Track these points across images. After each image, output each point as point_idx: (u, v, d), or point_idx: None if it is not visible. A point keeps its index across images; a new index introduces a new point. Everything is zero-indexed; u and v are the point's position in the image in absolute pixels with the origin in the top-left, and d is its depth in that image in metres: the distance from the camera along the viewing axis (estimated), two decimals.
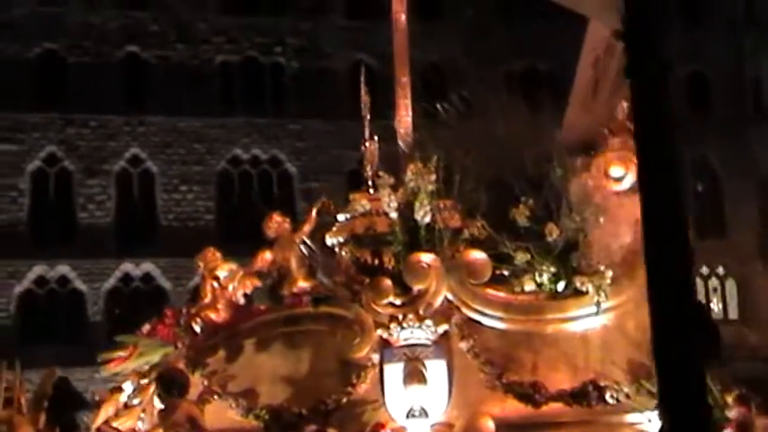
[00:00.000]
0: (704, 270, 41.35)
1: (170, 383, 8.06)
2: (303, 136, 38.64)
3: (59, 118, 37.46)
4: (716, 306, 36.37)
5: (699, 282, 41.06)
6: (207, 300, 8.87)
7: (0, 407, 8.49)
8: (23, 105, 36.54)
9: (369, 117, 9.45)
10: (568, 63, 32.55)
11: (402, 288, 8.04)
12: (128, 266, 37.03)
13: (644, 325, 8.26)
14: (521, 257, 8.17)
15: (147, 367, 8.85)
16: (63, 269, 36.20)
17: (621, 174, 8.81)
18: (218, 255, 9.07)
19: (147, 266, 37.13)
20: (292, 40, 39.77)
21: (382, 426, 7.80)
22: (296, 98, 39.02)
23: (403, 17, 9.61)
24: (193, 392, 8.19)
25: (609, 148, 8.99)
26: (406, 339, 7.99)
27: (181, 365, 8.45)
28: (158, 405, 8.22)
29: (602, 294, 8.07)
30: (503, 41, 40.00)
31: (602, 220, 8.43)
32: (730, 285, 41.22)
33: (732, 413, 7.88)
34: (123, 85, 38.31)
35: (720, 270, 41.50)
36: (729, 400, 8.07)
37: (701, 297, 38.93)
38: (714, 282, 41.36)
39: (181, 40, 39.15)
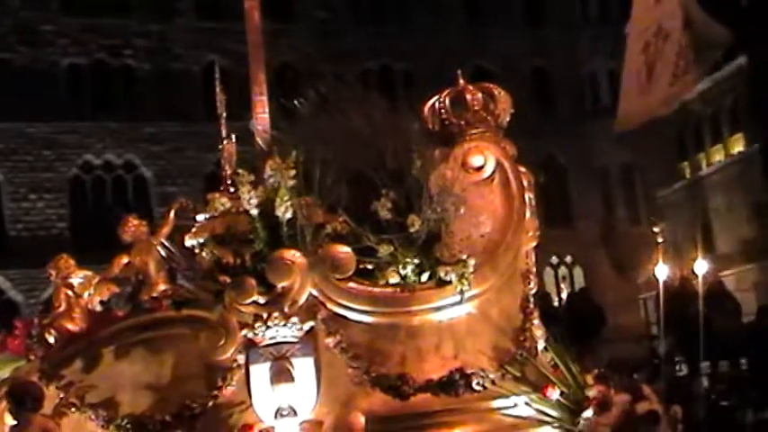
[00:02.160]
0: (554, 259, 42.47)
1: (22, 398, 7.75)
2: (158, 139, 38.23)
3: None
4: (565, 293, 37.08)
5: (549, 270, 42.24)
6: (61, 308, 8.58)
7: None
8: None
9: (225, 116, 9.26)
10: (422, 62, 33.28)
11: (266, 286, 7.86)
12: None
13: (507, 311, 8.44)
14: (384, 250, 8.09)
15: None
16: None
17: (481, 163, 8.88)
18: (72, 262, 8.78)
19: None
20: (141, 42, 39.28)
21: (250, 427, 7.62)
22: (149, 101, 38.58)
23: (257, 13, 9.46)
24: (48, 406, 7.89)
25: (467, 138, 9.02)
26: (271, 338, 7.81)
27: (34, 378, 8.16)
28: (10, 422, 7.89)
29: (466, 283, 8.06)
30: (356, 41, 40.26)
31: (462, 210, 8.43)
32: (578, 273, 42.40)
33: (592, 392, 7.97)
34: None
35: (568, 259, 42.67)
36: (589, 379, 8.17)
37: (551, 285, 40.03)
38: (563, 270, 42.48)
39: (23, 42, 38.22)
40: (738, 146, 38.71)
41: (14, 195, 37.38)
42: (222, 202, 8.40)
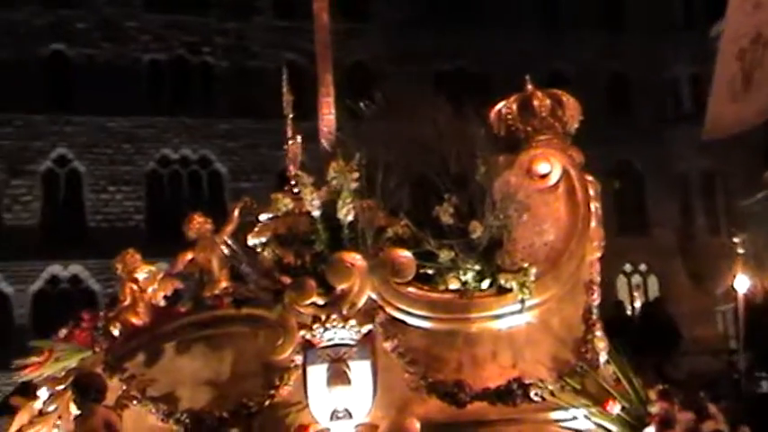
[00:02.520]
0: (628, 267, 41.85)
1: (86, 388, 7.86)
2: (233, 135, 38.43)
3: None
4: (639, 302, 36.58)
5: (623, 279, 41.67)
6: (126, 302, 8.70)
7: None
8: None
9: (292, 116, 9.31)
10: (496, 65, 32.92)
11: (325, 288, 7.89)
12: (55, 268, 36.58)
13: (568, 322, 8.32)
14: (445, 255, 8.05)
15: (63, 373, 8.66)
16: None
17: (547, 170, 8.78)
18: (138, 256, 8.90)
19: (75, 268, 36.70)
20: (220, 39, 39.55)
21: (306, 428, 7.66)
22: (225, 97, 38.81)
23: (325, 15, 9.50)
24: (111, 397, 8.01)
25: (533, 145, 8.95)
26: (329, 340, 7.84)
27: (98, 370, 8.27)
28: (75, 411, 8.01)
29: (527, 292, 7.98)
30: (431, 42, 40.10)
31: (525, 217, 8.36)
32: (652, 282, 41.72)
33: (654, 408, 7.84)
34: (49, 84, 37.80)
35: (643, 267, 42.01)
36: (652, 395, 8.04)
37: (624, 293, 39.52)
38: (637, 278, 41.85)
39: (107, 38, 38.71)
40: None
41: (94, 187, 37.81)
42: (285, 202, 8.43)
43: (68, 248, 36.21)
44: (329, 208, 8.07)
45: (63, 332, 8.84)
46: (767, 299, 19.69)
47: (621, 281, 41.82)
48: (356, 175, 8.07)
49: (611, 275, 42.66)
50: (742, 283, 19.08)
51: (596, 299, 8.69)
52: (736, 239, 21.35)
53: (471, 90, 33.89)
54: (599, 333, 8.55)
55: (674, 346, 22.62)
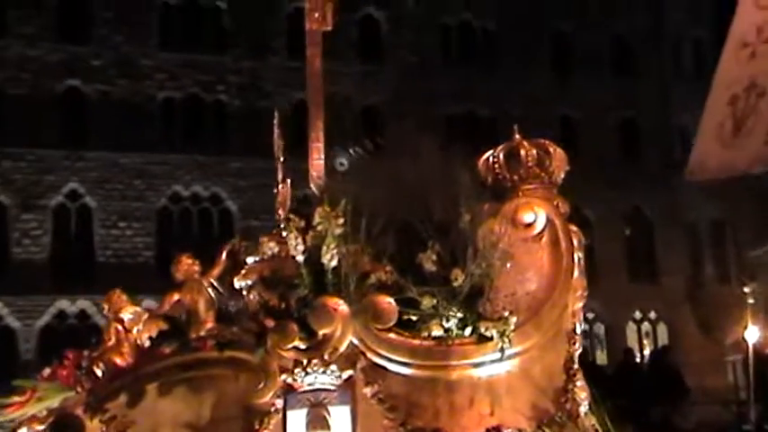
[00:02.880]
0: (637, 314, 41.77)
1: (63, 430, 7.90)
2: (244, 174, 38.66)
3: None
4: (648, 350, 36.56)
5: (632, 326, 41.57)
6: (111, 342, 8.73)
7: None
8: None
9: (283, 159, 9.36)
10: (507, 108, 33.28)
11: (307, 332, 7.89)
12: (63, 303, 36.71)
13: (549, 370, 8.33)
14: (427, 302, 8.08)
15: (44, 412, 8.66)
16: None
17: (532, 219, 8.80)
18: (124, 297, 8.94)
19: (83, 304, 36.82)
20: (234, 78, 39.92)
21: None
22: (238, 136, 39.07)
23: (318, 61, 9.58)
24: None
25: (519, 194, 8.98)
26: (310, 384, 7.84)
27: (79, 410, 8.29)
28: None
29: (506, 341, 8.00)
30: (443, 85, 40.31)
31: (508, 265, 8.39)
32: (662, 329, 41.58)
33: None
34: (63, 119, 38.14)
35: (652, 315, 41.89)
36: None
37: (633, 341, 39.45)
38: (647, 326, 41.73)
39: (122, 75, 39.11)
40: None
41: (105, 222, 38.08)
42: (270, 245, 8.45)
43: (77, 283, 36.39)
44: (314, 252, 8.10)
45: (47, 371, 8.84)
46: None
47: (631, 328, 41.88)
48: (341, 220, 8.11)
49: (620, 322, 42.69)
50: (752, 333, 19.09)
51: (578, 348, 8.68)
52: (746, 289, 21.83)
53: (481, 133, 34.41)
54: (579, 383, 8.55)
55: (681, 396, 22.57)
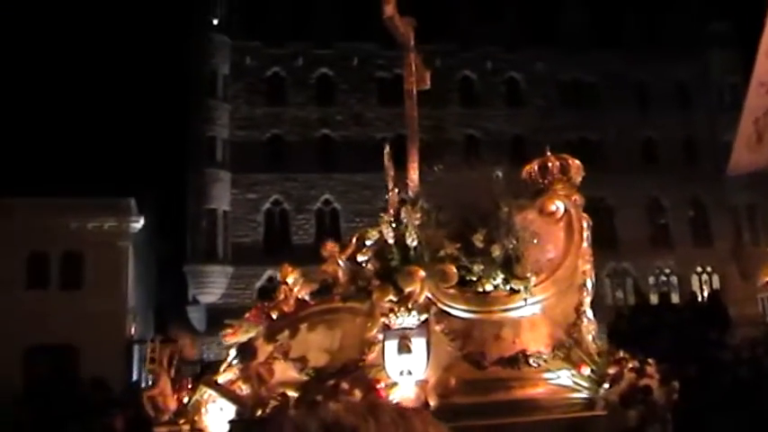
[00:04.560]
0: (698, 269, 39.64)
1: (242, 352, 7.89)
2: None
3: (281, 177, 38.30)
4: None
5: (695, 277, 39.38)
6: (281, 297, 8.69)
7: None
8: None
9: (393, 175, 8.96)
10: (608, 134, 31.81)
11: (398, 290, 7.64)
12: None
13: (564, 311, 7.75)
14: (476, 268, 7.69)
15: (246, 338, 8.67)
16: None
17: (555, 209, 8.31)
18: (290, 268, 8.86)
19: None
20: (426, 122, 39.29)
21: (379, 381, 7.41)
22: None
23: (414, 110, 9.23)
24: (262, 357, 8.00)
25: (551, 192, 8.46)
26: (400, 324, 7.58)
27: (259, 340, 8.28)
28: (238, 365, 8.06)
29: (528, 293, 7.52)
30: (562, 120, 39.15)
31: (535, 241, 7.90)
32: (715, 279, 39.34)
33: (611, 370, 7.22)
34: (320, 154, 38.87)
35: (709, 269, 39.71)
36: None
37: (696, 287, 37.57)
38: (705, 277, 39.65)
39: (356, 124, 39.48)
40: None
41: (347, 219, 38.35)
42: (372, 234, 8.21)
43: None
44: (400, 237, 7.82)
45: (247, 315, 8.87)
46: None
47: (695, 278, 39.60)
48: (418, 215, 7.81)
49: (687, 275, 40.60)
50: None
51: (586, 296, 8.08)
52: None
53: (592, 151, 32.99)
54: (586, 321, 7.95)
55: (726, 323, 21.97)
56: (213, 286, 36.99)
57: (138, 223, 31.51)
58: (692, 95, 41.48)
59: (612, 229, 39.09)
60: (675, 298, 35.61)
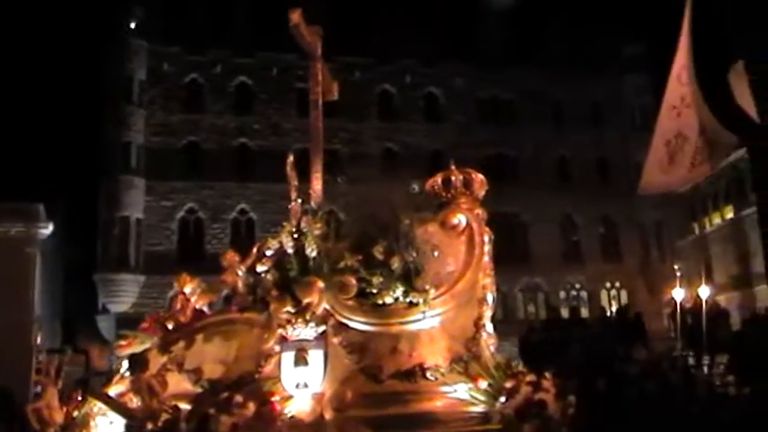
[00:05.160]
0: (608, 284, 40.70)
1: (133, 363, 7.62)
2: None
3: (197, 185, 37.60)
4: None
5: (605, 292, 40.42)
6: (177, 307, 8.44)
7: None
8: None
9: (296, 184, 8.76)
10: (524, 151, 32.18)
11: (296, 301, 7.48)
12: None
13: (462, 325, 7.72)
14: (375, 280, 7.61)
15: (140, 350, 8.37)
16: None
17: (456, 223, 8.30)
18: (189, 277, 8.62)
19: None
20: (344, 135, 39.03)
21: (274, 394, 7.24)
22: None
23: (319, 122, 9.11)
24: (154, 368, 7.73)
25: (454, 206, 8.44)
26: (297, 335, 7.45)
27: (154, 350, 8.01)
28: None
29: (427, 306, 7.48)
30: (480, 136, 39.63)
31: (436, 254, 7.88)
32: (623, 294, 40.47)
33: (507, 384, 7.22)
34: (236, 163, 38.20)
35: (617, 284, 40.85)
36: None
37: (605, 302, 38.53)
38: (614, 292, 40.73)
39: (273, 134, 38.87)
40: (729, 213, 36.62)
41: (263, 229, 37.87)
42: (272, 243, 8.03)
43: None
44: (300, 247, 7.68)
45: (143, 325, 8.57)
46: (694, 305, 19.42)
47: (604, 294, 40.64)
48: (319, 225, 7.71)
49: (597, 290, 41.70)
50: (678, 294, 19.66)
51: (486, 310, 8.08)
52: (675, 266, 23.94)
53: (508, 167, 33.61)
54: (485, 335, 7.95)
55: (642, 335, 22.59)
56: (124, 295, 35.99)
57: (47, 230, 30.33)
58: (605, 115, 42.62)
59: (526, 244, 39.82)
60: (585, 312, 36.42)
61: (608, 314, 32.12)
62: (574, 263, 40.49)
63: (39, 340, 30.37)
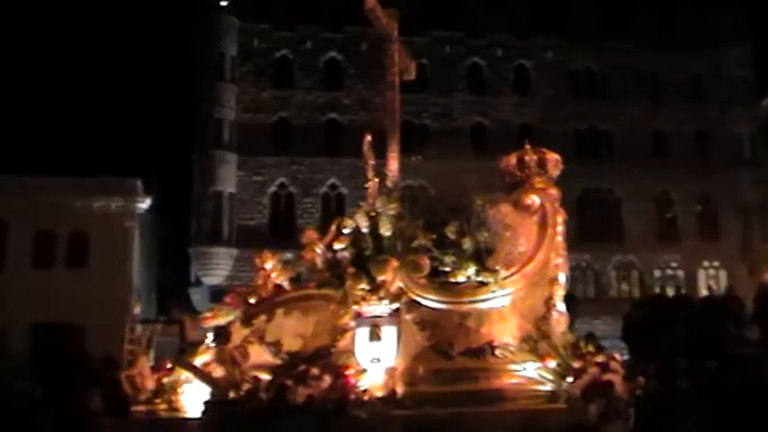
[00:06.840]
0: (705, 264, 39.54)
1: (217, 335, 8.09)
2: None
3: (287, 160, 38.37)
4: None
5: (702, 272, 39.30)
6: (259, 282, 8.86)
7: None
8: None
9: (373, 163, 8.99)
10: (619, 124, 31.52)
11: (371, 278, 7.81)
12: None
13: (532, 305, 7.89)
14: (448, 259, 7.84)
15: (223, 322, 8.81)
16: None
17: (530, 203, 8.43)
18: (269, 254, 9.03)
19: None
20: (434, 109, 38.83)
21: (349, 367, 7.59)
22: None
23: (396, 103, 9.34)
24: (237, 340, 8.18)
25: (527, 186, 8.58)
26: (371, 312, 7.79)
27: (237, 324, 8.45)
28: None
29: (497, 285, 7.67)
30: (571, 109, 38.94)
31: (508, 233, 8.04)
32: (722, 274, 39.17)
33: (575, 364, 7.33)
34: (326, 138, 38.78)
35: (716, 263, 39.64)
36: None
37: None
38: (712, 272, 39.49)
39: (363, 108, 39.02)
40: None
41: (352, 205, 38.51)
42: (349, 223, 8.35)
43: None
44: (374, 227, 7.98)
45: (227, 299, 9.02)
46: None
47: (701, 273, 39.52)
48: (393, 205, 7.98)
49: (694, 270, 40.61)
50: None
51: (558, 289, 8.19)
52: None
53: (601, 142, 32.97)
54: (556, 314, 8.07)
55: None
56: (217, 268, 37.14)
57: (145, 204, 31.70)
58: (704, 88, 41.12)
59: (619, 221, 38.98)
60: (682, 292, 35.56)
61: (713, 293, 31.43)
62: (669, 241, 39.43)
63: (137, 311, 31.92)
